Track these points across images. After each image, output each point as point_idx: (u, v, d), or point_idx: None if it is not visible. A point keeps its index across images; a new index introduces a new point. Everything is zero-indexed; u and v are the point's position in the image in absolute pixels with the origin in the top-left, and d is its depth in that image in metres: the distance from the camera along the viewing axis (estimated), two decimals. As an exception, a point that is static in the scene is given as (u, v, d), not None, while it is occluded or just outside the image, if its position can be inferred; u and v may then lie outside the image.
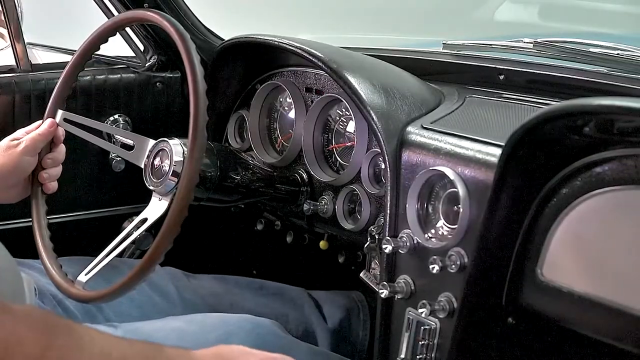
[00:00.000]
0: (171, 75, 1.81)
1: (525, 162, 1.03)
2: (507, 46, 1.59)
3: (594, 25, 3.03)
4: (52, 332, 0.80)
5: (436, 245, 1.18)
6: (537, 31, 3.22)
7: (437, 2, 3.84)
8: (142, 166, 1.35)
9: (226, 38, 1.74)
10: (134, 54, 1.80)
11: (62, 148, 1.40)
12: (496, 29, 3.35)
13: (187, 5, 1.79)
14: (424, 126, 1.29)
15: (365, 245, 1.37)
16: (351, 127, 1.51)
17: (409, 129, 1.30)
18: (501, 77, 1.51)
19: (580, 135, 0.99)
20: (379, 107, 1.33)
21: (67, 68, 1.41)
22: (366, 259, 1.40)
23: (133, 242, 1.31)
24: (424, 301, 1.17)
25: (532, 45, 1.53)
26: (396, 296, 1.22)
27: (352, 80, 1.36)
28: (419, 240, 1.21)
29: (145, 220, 1.28)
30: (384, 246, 1.23)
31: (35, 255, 1.34)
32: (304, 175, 1.58)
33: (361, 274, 1.40)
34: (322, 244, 1.63)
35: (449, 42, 1.66)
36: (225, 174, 1.46)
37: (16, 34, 1.67)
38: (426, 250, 1.19)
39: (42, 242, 1.34)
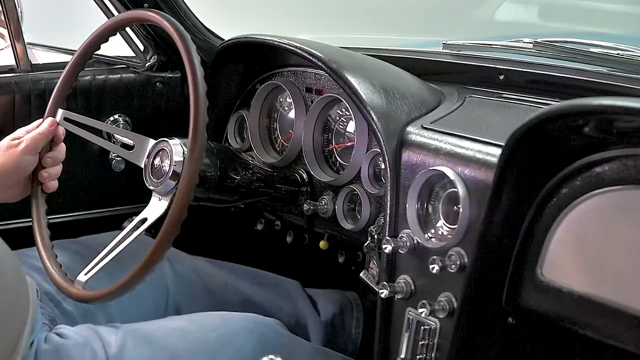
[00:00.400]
0: (171, 75, 1.81)
1: (525, 162, 1.03)
2: (507, 46, 1.59)
3: (594, 25, 3.03)
4: None
5: (436, 245, 1.18)
6: (537, 31, 3.22)
7: (437, 2, 3.84)
8: (142, 166, 1.35)
9: (226, 38, 1.75)
10: (134, 54, 1.80)
11: (62, 147, 1.40)
12: (496, 29, 3.35)
13: (187, 5, 1.79)
14: (424, 126, 1.29)
15: (365, 244, 1.37)
16: (351, 127, 1.52)
17: (409, 129, 1.30)
18: (501, 77, 1.51)
19: (580, 135, 0.99)
20: (379, 107, 1.33)
21: (67, 67, 1.41)
22: (365, 259, 1.40)
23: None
24: (424, 301, 1.17)
25: (532, 45, 1.53)
26: (396, 296, 1.22)
27: (352, 80, 1.37)
28: (419, 240, 1.21)
29: (145, 220, 1.28)
30: (384, 246, 1.23)
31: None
32: (304, 175, 1.58)
33: (361, 274, 1.40)
34: (322, 244, 1.63)
35: (449, 42, 1.66)
36: (225, 174, 1.46)
37: (16, 34, 1.68)
38: (426, 250, 1.19)
39: (42, 241, 1.34)
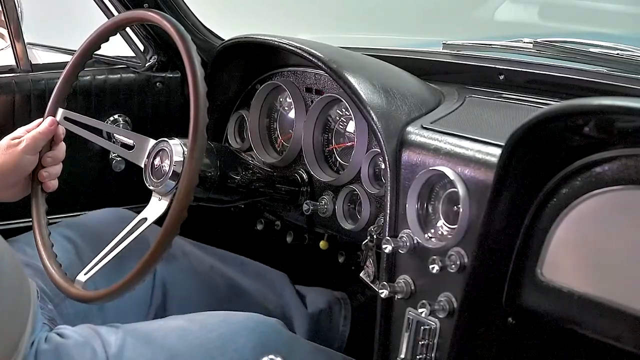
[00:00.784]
0: (171, 75, 1.81)
1: (525, 162, 1.03)
2: (507, 46, 1.59)
3: (594, 25, 3.03)
4: None
5: (436, 245, 1.18)
6: (537, 31, 3.22)
7: (436, 2, 3.83)
8: (142, 166, 1.35)
9: (226, 38, 1.75)
10: (134, 54, 1.80)
11: (62, 146, 1.41)
12: (496, 29, 3.35)
13: (187, 5, 1.79)
14: (424, 126, 1.29)
15: (363, 243, 1.36)
16: (351, 127, 1.52)
17: (409, 129, 1.30)
18: (501, 77, 1.51)
19: (580, 135, 0.99)
20: (378, 107, 1.33)
21: (67, 67, 1.41)
22: (362, 257, 1.40)
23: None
24: (424, 301, 1.17)
25: (532, 45, 1.53)
26: (396, 296, 1.22)
27: (352, 80, 1.37)
28: (419, 240, 1.21)
29: (145, 220, 1.28)
30: (384, 246, 1.23)
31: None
32: (304, 175, 1.58)
33: (361, 274, 1.40)
34: (322, 244, 1.63)
35: (448, 42, 1.66)
36: (225, 174, 1.46)
37: (16, 34, 1.68)
38: (426, 250, 1.19)
39: (41, 241, 1.34)
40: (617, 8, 3.25)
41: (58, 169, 1.40)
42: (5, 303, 1.17)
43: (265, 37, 1.58)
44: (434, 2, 3.86)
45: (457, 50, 1.64)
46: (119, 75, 1.77)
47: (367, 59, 1.54)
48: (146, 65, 1.80)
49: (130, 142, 1.38)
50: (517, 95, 1.43)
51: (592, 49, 1.46)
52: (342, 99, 1.50)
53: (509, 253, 1.07)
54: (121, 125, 1.75)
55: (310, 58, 1.44)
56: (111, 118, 1.75)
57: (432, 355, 1.17)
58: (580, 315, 1.01)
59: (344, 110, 1.53)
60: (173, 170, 1.30)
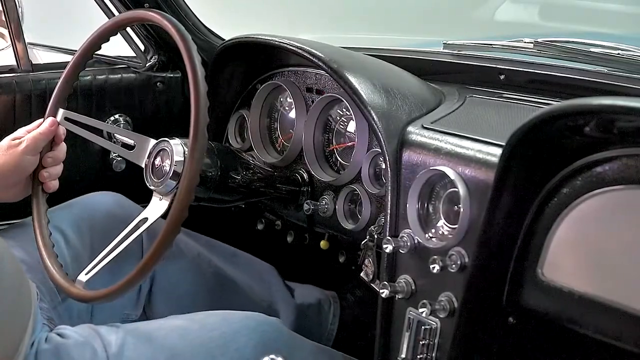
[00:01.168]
0: (172, 75, 1.81)
1: (525, 162, 1.03)
2: (508, 46, 1.59)
3: (594, 25, 3.03)
4: None
5: (437, 245, 1.18)
6: (537, 31, 3.22)
7: (437, 2, 3.83)
8: (143, 166, 1.35)
9: (227, 38, 1.75)
10: (134, 54, 1.80)
11: (62, 147, 1.41)
12: (496, 29, 3.34)
13: (187, 5, 1.79)
14: (425, 126, 1.29)
15: (362, 242, 1.36)
16: (352, 127, 1.52)
17: (410, 128, 1.30)
18: (502, 77, 1.51)
19: (580, 135, 0.99)
20: (379, 107, 1.33)
21: (68, 67, 1.41)
22: (360, 257, 1.40)
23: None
24: (425, 301, 1.17)
25: (532, 45, 1.53)
26: (397, 296, 1.22)
27: (353, 80, 1.37)
28: (420, 240, 1.21)
29: (145, 220, 1.28)
30: (384, 246, 1.23)
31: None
32: (305, 175, 1.58)
33: (361, 274, 1.40)
34: (323, 244, 1.63)
35: (449, 42, 1.66)
36: (226, 173, 1.46)
37: (17, 34, 1.68)
38: (427, 250, 1.19)
39: (42, 241, 1.34)
40: (618, 8, 3.25)
41: (59, 169, 1.40)
42: (6, 303, 1.17)
43: (266, 37, 1.58)
44: (434, 2, 3.86)
45: (458, 50, 1.64)
46: (119, 75, 1.77)
47: (367, 59, 1.54)
48: (147, 65, 1.80)
49: (130, 142, 1.38)
50: (518, 95, 1.43)
51: (592, 49, 1.46)
52: (342, 99, 1.50)
53: (510, 253, 1.07)
54: (122, 125, 1.75)
55: (311, 58, 1.44)
56: (112, 118, 1.75)
57: (433, 355, 1.17)
58: (580, 315, 1.01)
59: (344, 110, 1.53)
60: (174, 170, 1.30)
